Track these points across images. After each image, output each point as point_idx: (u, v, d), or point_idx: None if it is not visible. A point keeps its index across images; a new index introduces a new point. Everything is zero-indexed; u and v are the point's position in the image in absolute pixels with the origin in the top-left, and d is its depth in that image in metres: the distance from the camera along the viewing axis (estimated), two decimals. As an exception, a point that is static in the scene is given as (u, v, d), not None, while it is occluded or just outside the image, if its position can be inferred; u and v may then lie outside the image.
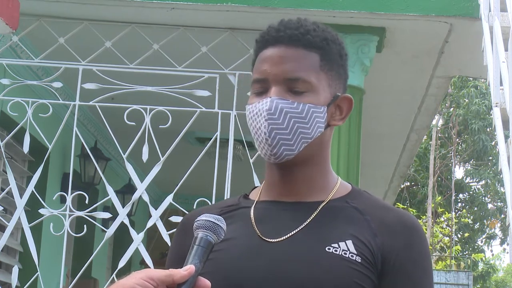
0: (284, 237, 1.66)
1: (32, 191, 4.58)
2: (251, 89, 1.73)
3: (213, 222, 1.53)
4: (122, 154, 4.67)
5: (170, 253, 1.81)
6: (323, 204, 1.71)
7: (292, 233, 1.66)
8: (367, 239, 1.65)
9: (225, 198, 4.43)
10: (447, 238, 25.53)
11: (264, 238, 1.67)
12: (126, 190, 7.94)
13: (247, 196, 1.80)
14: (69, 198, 4.60)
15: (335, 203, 1.71)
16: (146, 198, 4.60)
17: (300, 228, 1.67)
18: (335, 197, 1.72)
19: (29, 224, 4.57)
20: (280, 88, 1.68)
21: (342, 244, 1.63)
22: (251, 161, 4.52)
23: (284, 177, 1.72)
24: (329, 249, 1.63)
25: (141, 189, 4.60)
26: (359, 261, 1.62)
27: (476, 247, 26.99)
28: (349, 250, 1.63)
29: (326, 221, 1.68)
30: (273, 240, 1.66)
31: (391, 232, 1.66)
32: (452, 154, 23.94)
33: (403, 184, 20.72)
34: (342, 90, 1.76)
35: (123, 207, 4.63)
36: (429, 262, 1.69)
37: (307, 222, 1.67)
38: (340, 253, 1.62)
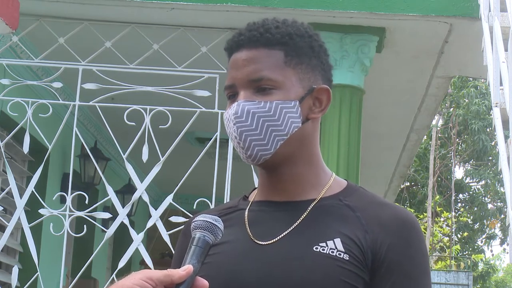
0: (274, 240, 1.65)
1: (32, 191, 4.58)
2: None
3: (210, 222, 1.53)
4: (122, 154, 4.67)
5: (174, 257, 1.82)
6: (314, 203, 1.69)
7: (282, 235, 1.66)
8: (356, 237, 1.63)
9: (225, 198, 4.45)
10: (447, 238, 25.53)
11: (255, 241, 1.67)
12: (126, 190, 7.94)
13: (247, 197, 1.80)
14: (69, 198, 4.60)
15: (327, 202, 1.70)
16: (146, 198, 4.60)
17: (290, 229, 1.66)
18: (327, 195, 1.71)
19: (29, 224, 4.57)
20: (248, 91, 1.67)
21: (330, 242, 1.62)
22: (251, 161, 4.51)
23: (271, 177, 1.72)
24: (316, 248, 1.62)
25: (141, 189, 4.61)
26: (347, 259, 1.61)
27: (476, 247, 27.00)
28: (336, 248, 1.61)
29: (316, 221, 1.67)
30: (264, 243, 1.66)
31: (385, 229, 1.64)
32: (452, 154, 23.94)
33: (403, 184, 20.72)
34: (320, 82, 1.73)
35: (123, 207, 4.63)
36: (427, 260, 1.67)
37: (297, 223, 1.67)
38: (327, 252, 1.61)
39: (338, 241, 1.62)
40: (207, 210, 1.83)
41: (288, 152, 1.68)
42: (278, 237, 1.65)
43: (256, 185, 1.83)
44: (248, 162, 1.69)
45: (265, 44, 1.68)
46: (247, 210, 1.74)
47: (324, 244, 1.62)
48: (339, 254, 1.61)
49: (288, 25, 1.72)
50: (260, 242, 1.66)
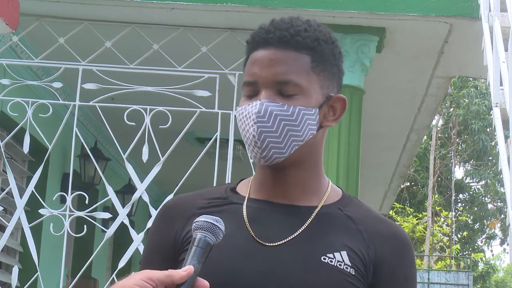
0: (280, 242, 1.65)
1: (32, 191, 4.58)
2: (242, 92, 1.71)
3: (212, 223, 1.53)
4: (122, 154, 4.67)
5: (150, 242, 1.76)
6: (317, 209, 1.70)
7: (289, 238, 1.65)
8: (360, 251, 1.66)
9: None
10: (447, 238, 25.53)
11: (259, 241, 1.66)
12: (126, 190, 7.94)
13: (235, 189, 1.77)
14: (69, 198, 4.60)
15: (329, 210, 1.71)
16: (146, 198, 4.60)
17: (296, 234, 1.66)
18: (328, 203, 1.72)
19: (29, 224, 4.57)
20: (270, 91, 1.66)
21: (337, 255, 1.64)
22: (251, 161, 4.51)
23: (276, 178, 1.71)
24: (324, 259, 1.63)
25: (141, 189, 4.61)
26: (353, 273, 1.63)
27: (476, 247, 27.01)
28: (343, 261, 1.63)
29: (321, 229, 1.67)
30: (270, 244, 1.65)
31: (386, 245, 1.68)
32: (452, 154, 23.95)
33: (403, 184, 20.72)
34: (336, 90, 1.73)
35: (123, 207, 4.63)
36: (416, 271, 1.74)
37: (302, 229, 1.67)
38: (335, 264, 1.63)
39: (344, 254, 1.64)
40: (189, 194, 1.79)
41: (299, 157, 1.68)
42: (283, 240, 1.65)
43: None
44: (261, 161, 1.68)
45: (295, 46, 1.67)
46: (244, 205, 1.72)
47: (331, 256, 1.64)
48: (346, 268, 1.63)
49: (316, 29, 1.70)
50: (264, 243, 1.65)
